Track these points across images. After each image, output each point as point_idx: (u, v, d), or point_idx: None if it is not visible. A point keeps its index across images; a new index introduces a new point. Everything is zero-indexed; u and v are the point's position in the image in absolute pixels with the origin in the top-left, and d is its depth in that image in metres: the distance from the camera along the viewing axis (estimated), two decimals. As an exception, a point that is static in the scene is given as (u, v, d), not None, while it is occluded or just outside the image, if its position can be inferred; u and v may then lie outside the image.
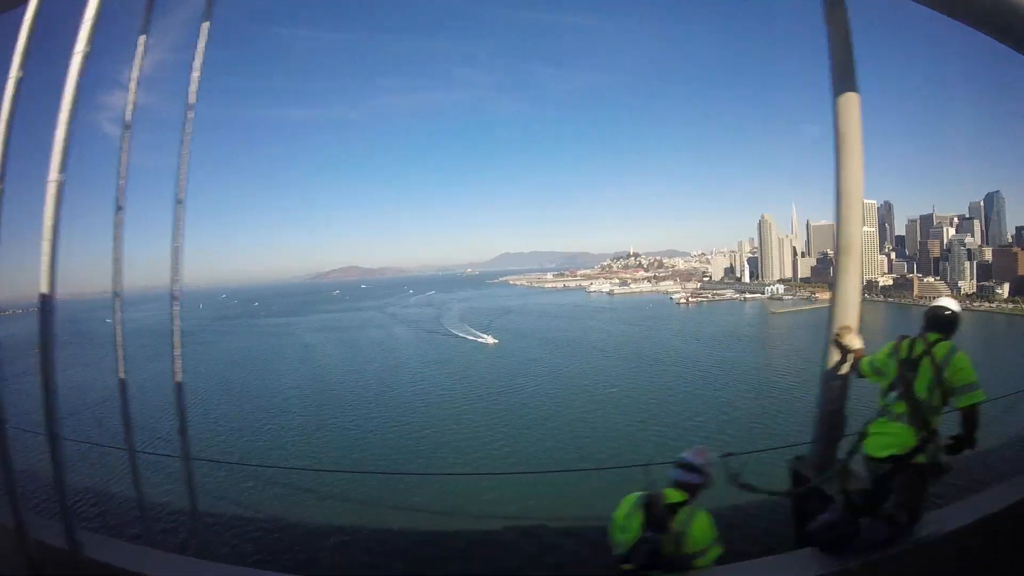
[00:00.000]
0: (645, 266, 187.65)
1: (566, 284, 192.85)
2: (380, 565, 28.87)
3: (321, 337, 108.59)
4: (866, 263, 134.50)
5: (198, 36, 5.73)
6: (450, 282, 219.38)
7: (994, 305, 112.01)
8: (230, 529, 30.82)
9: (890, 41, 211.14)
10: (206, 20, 5.90)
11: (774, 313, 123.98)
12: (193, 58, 5.73)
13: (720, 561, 3.87)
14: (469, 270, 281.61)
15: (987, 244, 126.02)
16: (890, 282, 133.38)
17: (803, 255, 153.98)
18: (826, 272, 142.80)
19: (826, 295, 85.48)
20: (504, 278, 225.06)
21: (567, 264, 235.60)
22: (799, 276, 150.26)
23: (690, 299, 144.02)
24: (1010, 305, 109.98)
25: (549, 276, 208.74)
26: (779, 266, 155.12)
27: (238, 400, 63.25)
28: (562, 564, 30.59)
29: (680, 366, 76.23)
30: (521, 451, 46.60)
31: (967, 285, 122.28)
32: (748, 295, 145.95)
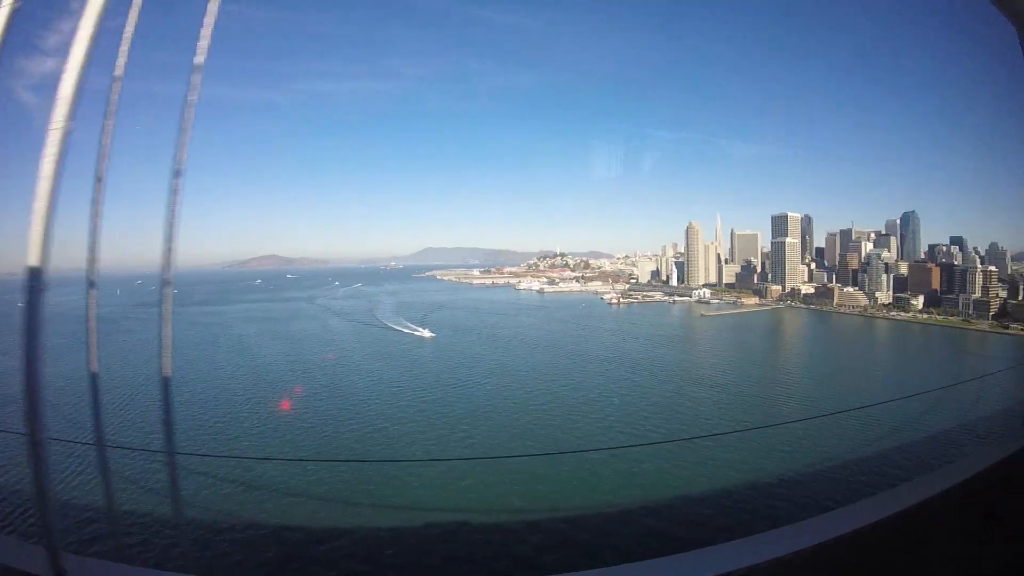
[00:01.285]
0: (572, 266, 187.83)
1: (494, 281, 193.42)
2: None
3: (254, 328, 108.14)
4: (789, 272, 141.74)
5: (130, 5, 4.91)
6: (375, 275, 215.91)
7: (909, 315, 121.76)
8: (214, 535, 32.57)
9: (816, 67, 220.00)
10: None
11: (703, 315, 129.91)
12: (123, 27, 4.92)
13: (682, 548, 3.96)
14: (393, 263, 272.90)
15: (903, 259, 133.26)
16: (812, 290, 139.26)
17: (727, 261, 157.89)
18: (749, 278, 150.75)
19: (751, 300, 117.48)
20: (431, 272, 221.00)
21: (490, 261, 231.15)
22: (724, 281, 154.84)
23: (621, 299, 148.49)
24: (924, 315, 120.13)
25: (476, 272, 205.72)
26: (704, 271, 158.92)
27: (184, 392, 62.67)
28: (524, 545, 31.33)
29: (624, 363, 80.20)
30: (480, 440, 49.28)
31: (884, 296, 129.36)
32: (677, 298, 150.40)
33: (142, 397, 59.54)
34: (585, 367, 77.58)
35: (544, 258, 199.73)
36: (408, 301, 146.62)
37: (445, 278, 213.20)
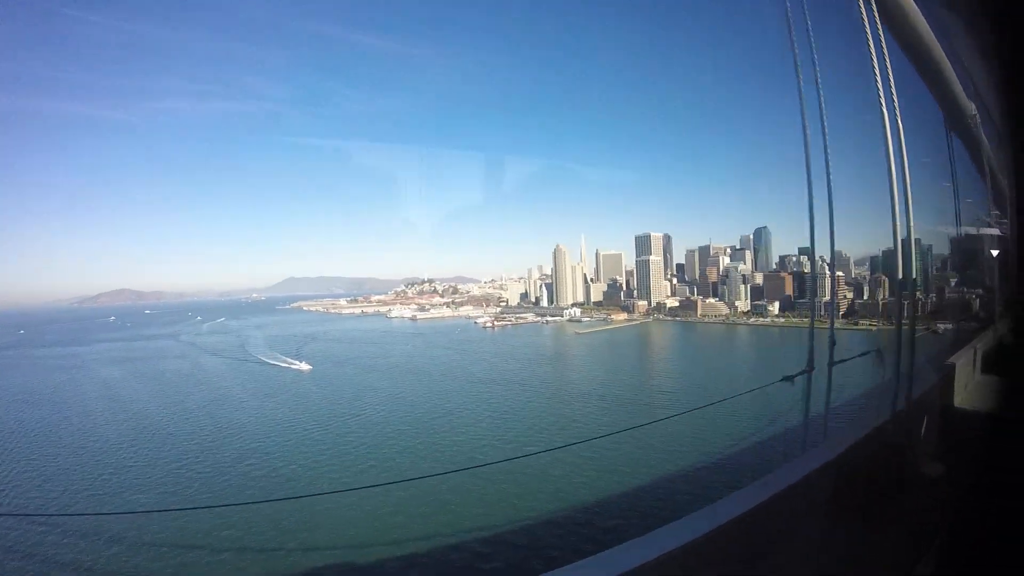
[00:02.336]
0: (440, 292, 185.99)
1: (364, 310, 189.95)
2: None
3: (119, 370, 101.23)
4: (654, 288, 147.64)
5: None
6: (237, 308, 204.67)
7: (767, 319, 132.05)
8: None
9: (671, 94, 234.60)
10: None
11: (578, 333, 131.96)
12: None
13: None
14: (255, 295, 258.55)
15: (757, 270, 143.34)
16: (676, 303, 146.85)
17: (593, 281, 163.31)
18: (616, 296, 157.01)
19: (620, 316, 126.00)
20: (296, 303, 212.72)
21: (355, 290, 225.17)
22: (592, 300, 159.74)
23: (495, 323, 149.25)
24: (780, 319, 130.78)
25: (343, 302, 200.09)
26: (572, 291, 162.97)
27: (52, 445, 58.83)
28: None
29: (512, 383, 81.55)
30: (383, 465, 48.85)
31: (743, 304, 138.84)
32: (549, 318, 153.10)
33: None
34: (474, 390, 77.87)
35: (411, 285, 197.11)
36: (279, 334, 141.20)
37: (312, 309, 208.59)
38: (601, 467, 44.76)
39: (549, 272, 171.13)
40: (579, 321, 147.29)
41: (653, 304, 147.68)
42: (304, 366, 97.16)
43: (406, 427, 60.89)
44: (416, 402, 70.88)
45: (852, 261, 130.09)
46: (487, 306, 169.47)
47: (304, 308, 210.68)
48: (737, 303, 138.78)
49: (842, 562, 5.23)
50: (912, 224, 7.07)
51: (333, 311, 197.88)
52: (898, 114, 6.65)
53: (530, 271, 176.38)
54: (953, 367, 8.94)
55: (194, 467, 50.87)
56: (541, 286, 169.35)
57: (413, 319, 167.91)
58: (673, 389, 76.14)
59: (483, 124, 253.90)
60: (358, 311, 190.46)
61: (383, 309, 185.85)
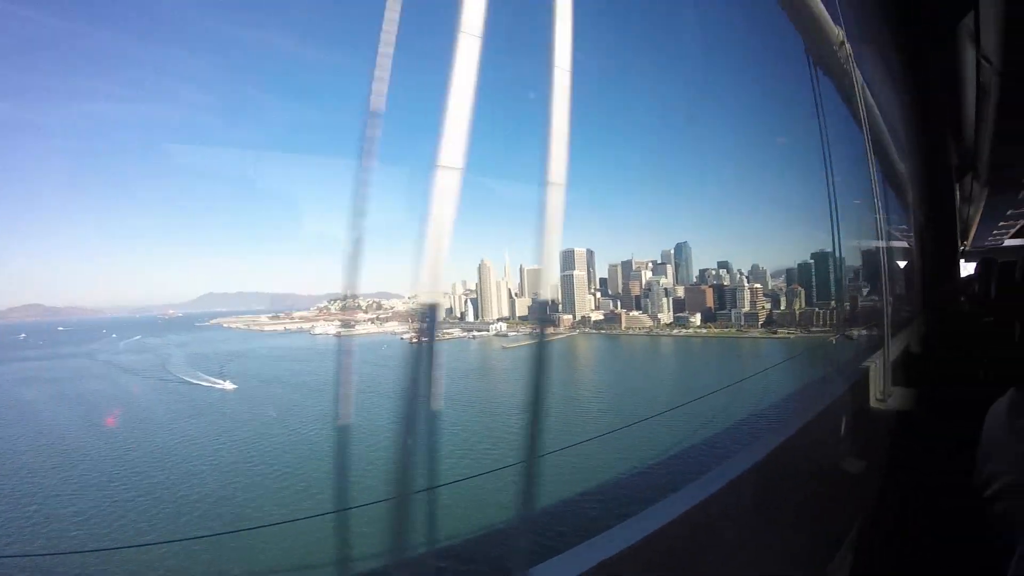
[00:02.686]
0: (364, 308, 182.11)
1: (287, 327, 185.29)
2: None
3: (37, 391, 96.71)
4: (579, 302, 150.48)
5: None
6: (155, 325, 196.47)
7: (689, 330, 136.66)
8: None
9: (589, 109, 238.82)
10: None
11: (505, 347, 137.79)
12: None
13: None
14: (172, 311, 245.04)
15: (679, 283, 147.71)
16: (601, 317, 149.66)
17: (518, 295, 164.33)
18: (542, 311, 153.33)
19: (547, 331, 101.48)
20: (215, 320, 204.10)
21: (276, 306, 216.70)
22: (517, 315, 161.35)
23: (422, 338, 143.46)
24: (703, 330, 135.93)
25: (264, 318, 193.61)
26: (497, 306, 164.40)
27: None
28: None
29: (446, 398, 78.55)
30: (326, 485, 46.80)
31: (666, 316, 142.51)
32: (476, 333, 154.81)
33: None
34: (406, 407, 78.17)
35: (334, 301, 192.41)
36: (200, 352, 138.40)
37: (233, 326, 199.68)
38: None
39: (473, 287, 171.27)
40: (505, 336, 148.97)
41: (578, 318, 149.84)
42: (228, 385, 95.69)
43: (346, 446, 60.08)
44: (350, 421, 69.98)
45: (769, 274, 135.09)
46: (412, 321, 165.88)
47: (224, 325, 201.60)
48: (660, 315, 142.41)
49: (764, 564, 5.25)
50: (837, 238, 7.43)
51: (255, 328, 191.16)
52: (826, 134, 6.95)
53: (454, 286, 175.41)
54: (867, 370, 9.41)
55: (123, 495, 49.33)
56: (466, 301, 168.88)
57: (338, 335, 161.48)
58: (605, 401, 78.34)
59: (398, 136, 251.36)
60: (281, 328, 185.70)
61: (306, 326, 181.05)
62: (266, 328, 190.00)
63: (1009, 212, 18.18)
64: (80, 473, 54.81)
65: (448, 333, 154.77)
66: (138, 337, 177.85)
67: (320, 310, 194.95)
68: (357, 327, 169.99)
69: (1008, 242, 25.47)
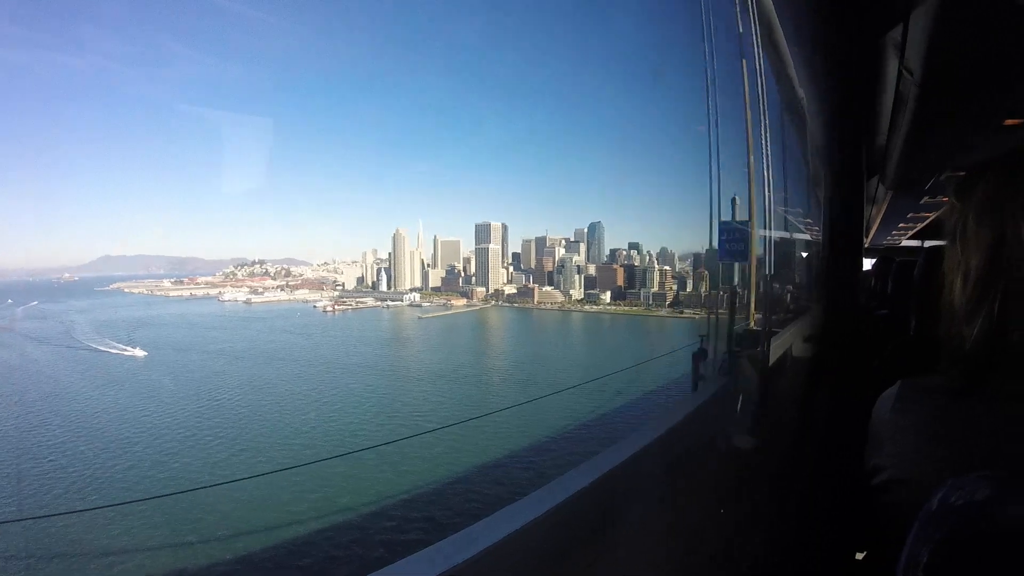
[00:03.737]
0: (272, 274, 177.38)
1: (192, 293, 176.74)
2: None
3: None
4: (492, 275, 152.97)
5: None
6: (50, 290, 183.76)
7: (600, 307, 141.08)
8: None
9: (510, 84, 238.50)
10: None
11: (420, 318, 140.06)
12: None
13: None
14: (67, 275, 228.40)
15: (590, 262, 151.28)
16: (514, 291, 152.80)
17: (431, 267, 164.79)
18: (455, 282, 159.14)
19: (460, 301, 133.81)
20: (115, 285, 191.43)
21: (177, 270, 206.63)
22: (430, 285, 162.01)
23: (335, 307, 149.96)
24: (612, 307, 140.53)
25: (167, 283, 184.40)
26: (411, 276, 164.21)
27: None
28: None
29: (367, 368, 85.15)
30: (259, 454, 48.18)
31: (577, 293, 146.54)
32: (390, 302, 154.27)
33: None
34: (328, 375, 79.56)
35: (240, 266, 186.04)
36: (105, 319, 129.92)
37: (134, 291, 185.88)
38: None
39: (385, 257, 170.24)
40: (419, 306, 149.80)
41: (491, 291, 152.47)
42: (139, 352, 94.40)
43: (270, 413, 61.03)
44: (274, 387, 71.24)
45: (677, 256, 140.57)
46: (323, 289, 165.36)
47: (125, 290, 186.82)
48: (572, 291, 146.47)
49: (665, 541, 5.12)
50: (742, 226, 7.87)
51: (158, 293, 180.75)
52: (717, 123, 7.26)
53: (365, 255, 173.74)
54: (767, 352, 10.01)
55: (57, 470, 48.29)
56: (379, 271, 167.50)
57: (248, 303, 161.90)
58: (516, 374, 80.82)
59: (314, 103, 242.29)
60: (186, 294, 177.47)
61: (213, 292, 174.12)
62: (170, 294, 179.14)
63: (909, 215, 19.62)
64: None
65: (362, 302, 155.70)
66: (35, 303, 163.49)
67: (226, 275, 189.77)
68: (266, 294, 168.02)
69: (905, 242, 27.72)
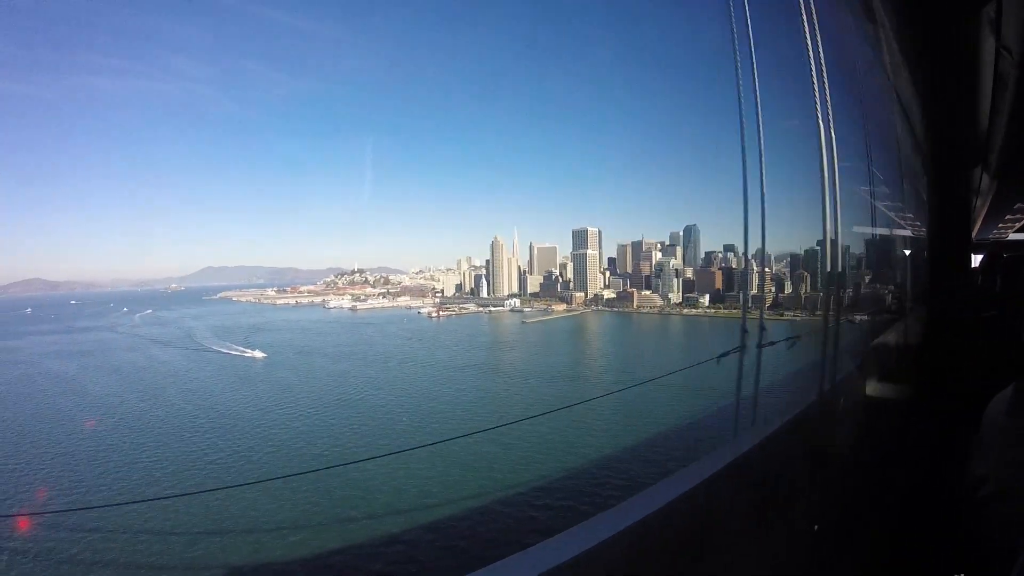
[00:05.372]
0: (372, 282, 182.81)
1: (297, 300, 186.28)
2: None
3: (72, 365, 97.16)
4: (590, 280, 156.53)
5: None
6: (161, 299, 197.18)
7: (698, 310, 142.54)
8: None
9: (604, 93, 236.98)
10: None
11: (524, 322, 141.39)
12: None
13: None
14: (175, 286, 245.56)
15: (687, 265, 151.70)
16: (613, 295, 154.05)
17: (528, 273, 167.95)
18: (553, 288, 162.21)
19: (560, 307, 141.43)
20: (222, 294, 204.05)
21: (276, 280, 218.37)
22: (528, 291, 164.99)
23: (440, 312, 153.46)
24: (711, 310, 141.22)
25: (272, 292, 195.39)
26: (508, 282, 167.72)
27: (32, 445, 58.37)
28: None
29: (486, 368, 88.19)
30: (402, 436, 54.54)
31: (676, 296, 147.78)
32: (492, 308, 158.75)
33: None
34: (448, 375, 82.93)
35: (341, 275, 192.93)
36: (221, 325, 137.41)
37: (241, 299, 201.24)
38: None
39: (479, 263, 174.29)
40: (521, 311, 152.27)
41: (590, 295, 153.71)
42: (258, 354, 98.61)
43: (400, 408, 65.03)
44: (400, 386, 74.82)
45: (773, 258, 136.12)
46: (424, 296, 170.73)
47: (233, 299, 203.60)
48: (670, 295, 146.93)
49: (774, 547, 5.12)
50: (839, 224, 7.41)
51: (265, 301, 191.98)
52: (831, 119, 6.82)
53: (459, 262, 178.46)
54: (869, 355, 9.34)
55: (207, 455, 53.11)
56: (476, 277, 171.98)
57: (353, 309, 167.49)
58: (626, 368, 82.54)
59: (402, 114, 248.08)
60: (292, 302, 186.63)
61: (317, 300, 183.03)
62: (277, 302, 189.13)
63: (1017, 206, 17.74)
64: (149, 439, 57.27)
65: (464, 308, 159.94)
66: (149, 311, 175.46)
67: (327, 284, 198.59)
68: (369, 301, 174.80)
69: (1013, 236, 24.47)
